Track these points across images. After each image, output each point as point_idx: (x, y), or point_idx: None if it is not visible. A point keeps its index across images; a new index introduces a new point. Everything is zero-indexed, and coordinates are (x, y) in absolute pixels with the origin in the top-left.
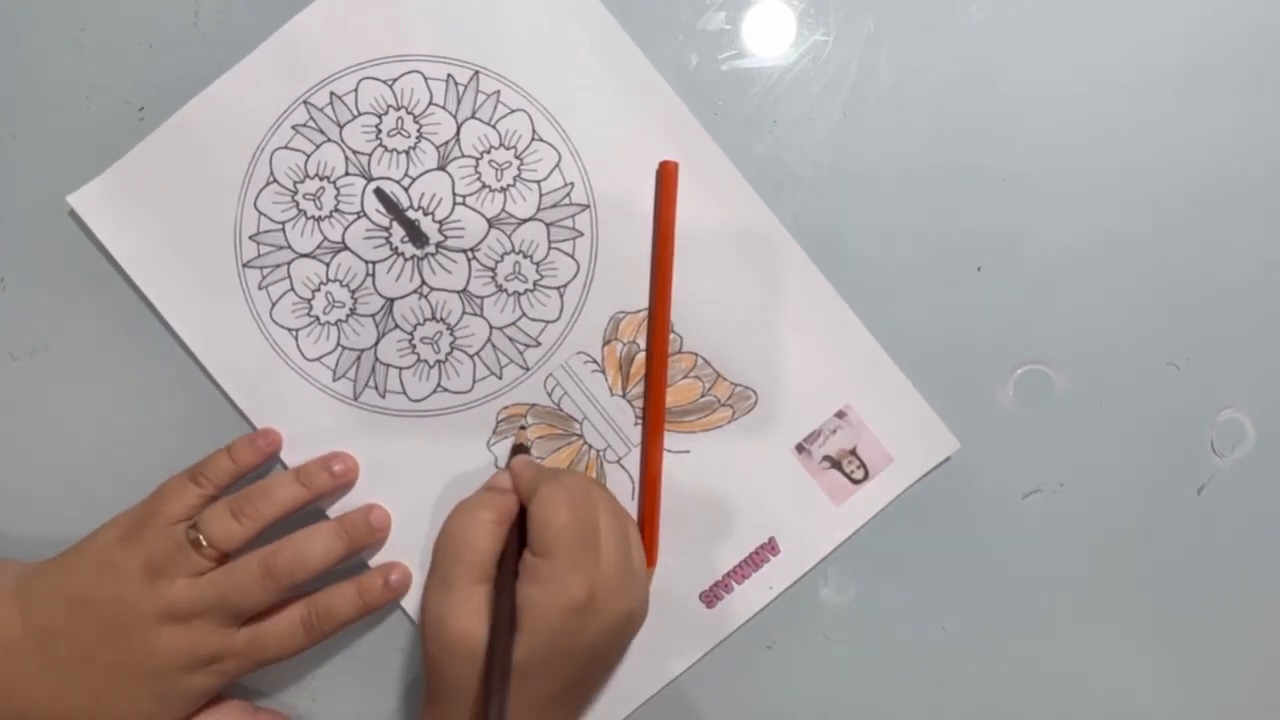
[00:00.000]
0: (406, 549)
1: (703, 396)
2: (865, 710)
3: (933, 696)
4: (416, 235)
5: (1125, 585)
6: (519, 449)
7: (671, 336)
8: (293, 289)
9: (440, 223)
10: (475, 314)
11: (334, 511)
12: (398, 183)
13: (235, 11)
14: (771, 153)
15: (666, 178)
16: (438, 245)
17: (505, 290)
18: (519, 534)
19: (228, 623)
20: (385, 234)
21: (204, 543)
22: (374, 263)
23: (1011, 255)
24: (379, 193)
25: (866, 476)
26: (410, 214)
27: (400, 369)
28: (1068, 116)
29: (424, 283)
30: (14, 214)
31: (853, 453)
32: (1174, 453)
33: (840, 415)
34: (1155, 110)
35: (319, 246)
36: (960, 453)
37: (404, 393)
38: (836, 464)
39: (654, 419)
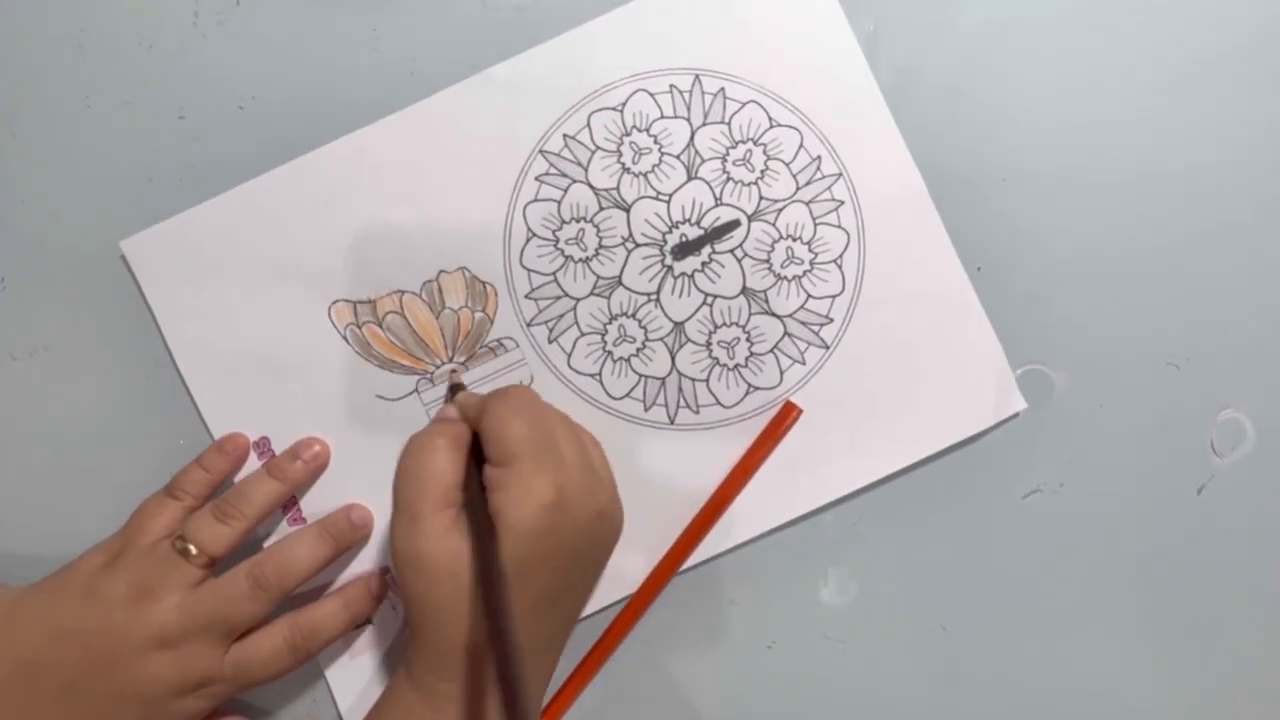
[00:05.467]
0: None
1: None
2: (865, 710)
3: (933, 696)
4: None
5: (1125, 585)
6: (456, 388)
7: None
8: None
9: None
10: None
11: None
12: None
13: (235, 11)
14: None
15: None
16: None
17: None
18: (477, 461)
19: (218, 642)
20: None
21: (193, 550)
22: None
23: (1011, 255)
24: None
25: None
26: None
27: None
28: (1068, 116)
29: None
30: (14, 214)
31: None
32: (1174, 453)
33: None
34: (1155, 110)
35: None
36: (960, 453)
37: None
38: None
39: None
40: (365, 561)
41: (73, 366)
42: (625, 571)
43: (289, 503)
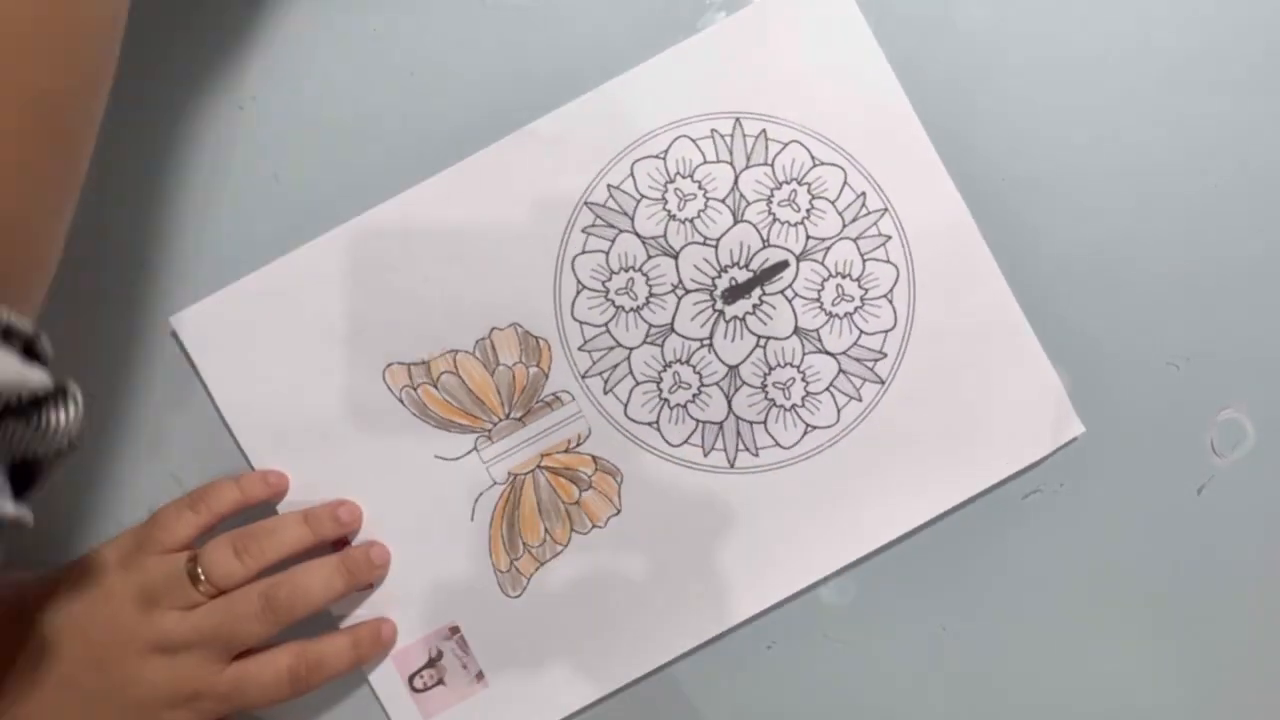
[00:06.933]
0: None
1: None
2: (865, 710)
3: (933, 696)
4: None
5: (1125, 585)
6: None
7: None
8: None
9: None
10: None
11: None
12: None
13: (236, 10)
14: None
15: None
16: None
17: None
18: None
19: (218, 657)
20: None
21: (202, 578)
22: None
23: (1011, 255)
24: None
25: None
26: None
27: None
28: (1068, 117)
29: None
30: None
31: None
32: (1174, 453)
33: None
34: (1155, 110)
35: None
36: None
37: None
38: None
39: None
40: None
41: (72, 366)
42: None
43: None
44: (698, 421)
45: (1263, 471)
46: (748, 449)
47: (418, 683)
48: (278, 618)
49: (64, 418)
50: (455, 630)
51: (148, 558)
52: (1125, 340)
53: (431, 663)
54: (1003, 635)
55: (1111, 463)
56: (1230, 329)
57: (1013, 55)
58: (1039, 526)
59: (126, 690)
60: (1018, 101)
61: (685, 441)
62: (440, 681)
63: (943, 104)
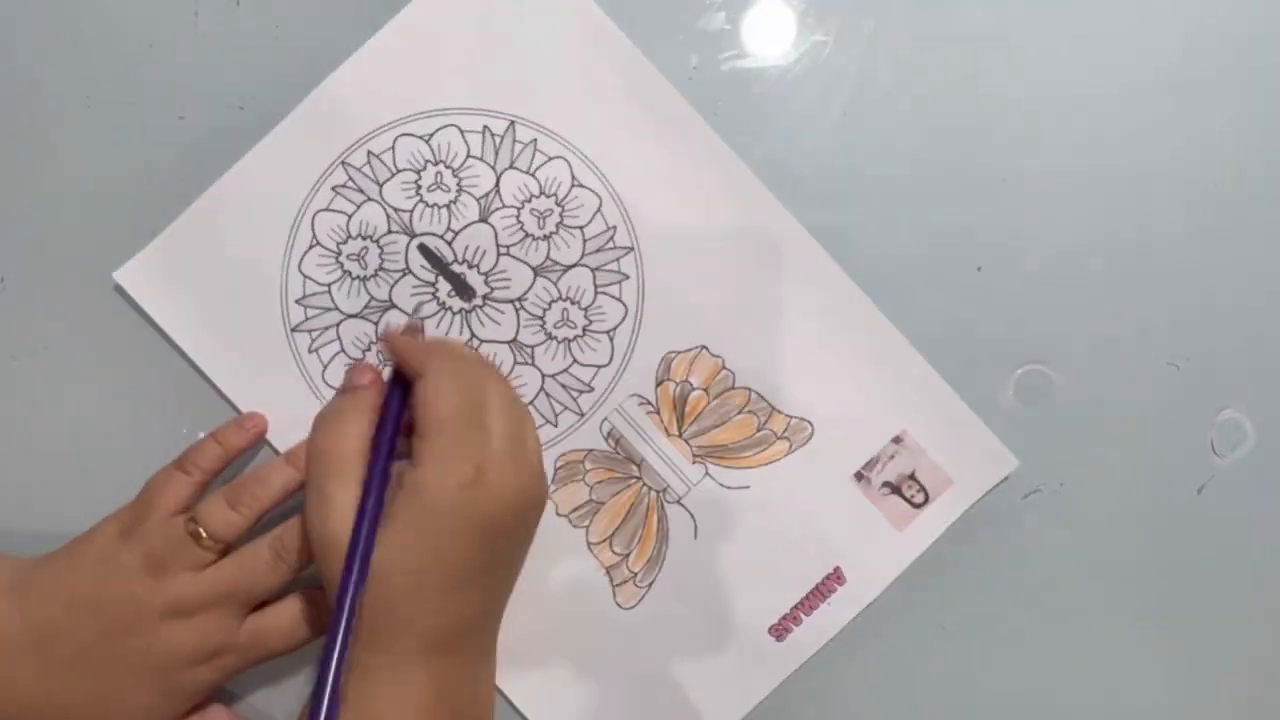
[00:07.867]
0: None
1: (759, 431)
2: (866, 710)
3: (933, 696)
4: (463, 289)
5: (1125, 585)
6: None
7: (724, 373)
8: (343, 350)
9: (486, 274)
10: (527, 363)
11: None
12: (440, 237)
13: (235, 11)
14: (771, 153)
15: None
16: (484, 297)
17: (555, 338)
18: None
19: (236, 613)
20: (432, 289)
21: (204, 535)
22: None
23: (1011, 255)
24: (423, 249)
25: (927, 500)
26: (455, 268)
27: None
28: (1067, 116)
29: (473, 335)
30: (14, 214)
31: (912, 477)
32: (1174, 453)
33: (897, 440)
34: (1155, 110)
35: (366, 306)
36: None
37: None
38: (896, 489)
39: None
40: None
41: (73, 366)
42: None
43: None
44: None
45: (1263, 471)
46: None
47: None
48: (289, 565)
49: None
50: None
51: (147, 525)
52: (1125, 340)
53: None
54: (1002, 635)
55: (1111, 463)
56: (1230, 329)
57: (1014, 54)
58: (1039, 526)
59: (147, 656)
60: (1019, 100)
61: None
62: None
63: (943, 101)
